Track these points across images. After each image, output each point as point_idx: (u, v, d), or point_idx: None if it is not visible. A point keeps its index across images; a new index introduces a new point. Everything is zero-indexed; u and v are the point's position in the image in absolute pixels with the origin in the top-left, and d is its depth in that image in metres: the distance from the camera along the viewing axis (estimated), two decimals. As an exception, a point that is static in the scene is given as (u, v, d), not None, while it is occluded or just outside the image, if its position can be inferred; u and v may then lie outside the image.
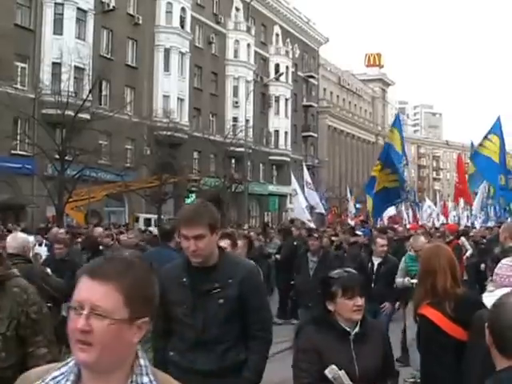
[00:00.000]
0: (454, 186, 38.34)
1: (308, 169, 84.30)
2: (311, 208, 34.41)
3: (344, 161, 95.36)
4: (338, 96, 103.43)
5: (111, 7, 52.94)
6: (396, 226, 28.72)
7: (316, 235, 14.09)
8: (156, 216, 47.63)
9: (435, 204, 55.43)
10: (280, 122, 79.59)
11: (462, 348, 4.98)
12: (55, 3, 47.70)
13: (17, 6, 45.74)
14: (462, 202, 41.84)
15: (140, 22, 56.66)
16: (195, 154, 61.98)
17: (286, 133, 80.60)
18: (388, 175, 19.89)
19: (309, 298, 12.57)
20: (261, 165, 72.96)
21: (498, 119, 23.16)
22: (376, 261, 12.32)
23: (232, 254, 6.14)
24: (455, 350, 5.06)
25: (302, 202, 30.76)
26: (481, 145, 23.77)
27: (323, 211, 38.99)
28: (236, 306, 4.96)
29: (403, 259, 12.37)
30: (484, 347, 4.12)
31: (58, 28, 47.71)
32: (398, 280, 12.02)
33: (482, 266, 17.81)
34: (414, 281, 9.84)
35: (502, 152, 22.44)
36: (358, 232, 20.70)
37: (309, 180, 34.15)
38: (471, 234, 24.41)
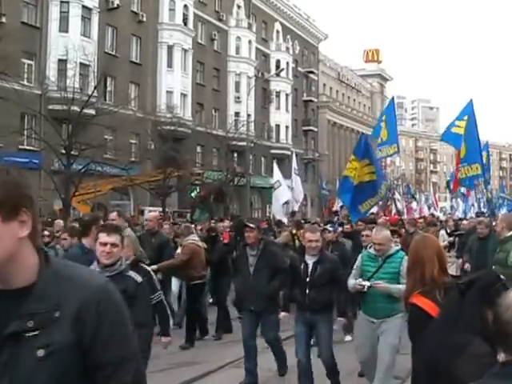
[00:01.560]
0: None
1: (308, 162, 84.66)
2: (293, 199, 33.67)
3: (343, 154, 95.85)
4: (337, 91, 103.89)
5: (115, 5, 53.47)
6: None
7: (252, 225, 11.29)
8: (161, 209, 47.41)
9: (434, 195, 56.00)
10: (281, 117, 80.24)
11: None
12: (61, 1, 48.43)
13: (23, 5, 46.46)
14: (459, 191, 41.80)
15: (144, 19, 57.22)
16: (198, 148, 62.45)
17: (286, 127, 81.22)
18: (364, 167, 18.45)
19: (251, 301, 11.10)
20: (262, 158, 73.40)
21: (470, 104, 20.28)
22: (310, 260, 10.14)
23: (66, 263, 2.86)
24: None
25: (281, 198, 30.70)
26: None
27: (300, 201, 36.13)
28: (72, 362, 2.53)
29: (359, 257, 10.04)
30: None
31: (64, 26, 48.37)
32: (350, 282, 9.76)
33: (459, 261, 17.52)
34: (367, 283, 9.20)
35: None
36: (328, 227, 18.60)
37: (296, 166, 34.11)
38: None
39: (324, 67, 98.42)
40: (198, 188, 54.27)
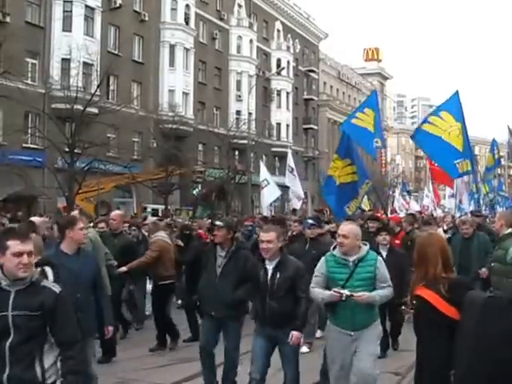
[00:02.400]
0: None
1: (309, 160, 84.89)
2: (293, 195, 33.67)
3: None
4: (337, 89, 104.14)
5: (118, 4, 53.80)
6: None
7: (220, 224, 10.20)
8: (163, 206, 48.34)
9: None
10: (282, 115, 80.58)
11: (454, 328, 5.22)
12: (64, 1, 48.78)
13: (27, 4, 46.81)
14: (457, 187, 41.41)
15: (146, 18, 57.60)
16: (200, 147, 62.81)
17: (287, 125, 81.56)
18: (346, 167, 18.45)
19: (213, 305, 9.85)
20: (263, 156, 73.74)
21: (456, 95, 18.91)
22: (269, 265, 8.71)
23: None
24: (450, 331, 5.24)
25: (270, 196, 30.28)
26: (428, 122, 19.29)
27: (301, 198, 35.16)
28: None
29: (322, 262, 8.36)
30: (472, 328, 4.93)
31: (67, 25, 48.77)
32: (315, 291, 8.25)
33: None
34: (346, 292, 7.77)
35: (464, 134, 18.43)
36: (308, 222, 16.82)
37: (292, 165, 32.78)
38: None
39: (324, 66, 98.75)
40: (199, 186, 54.59)
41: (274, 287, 8.63)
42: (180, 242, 16.02)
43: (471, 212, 22.44)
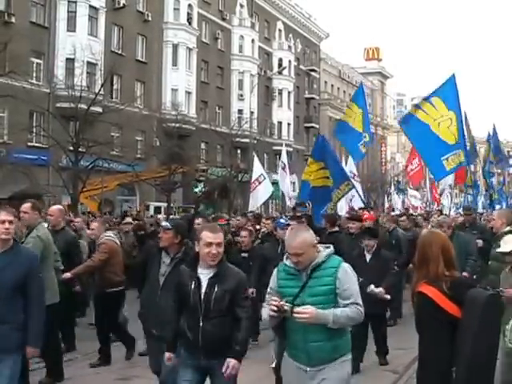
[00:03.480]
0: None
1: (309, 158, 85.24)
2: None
3: (344, 151, 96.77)
4: (338, 88, 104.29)
5: (121, 4, 54.15)
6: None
7: (166, 225, 8.69)
8: (166, 204, 48.81)
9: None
10: (283, 114, 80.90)
11: (456, 326, 5.20)
12: (68, 1, 49.12)
13: (32, 4, 47.13)
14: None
15: (149, 18, 57.90)
16: (202, 145, 63.14)
17: (288, 124, 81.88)
18: (318, 170, 17.76)
19: (155, 322, 8.38)
20: (265, 155, 73.63)
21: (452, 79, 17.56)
22: (204, 274, 6.85)
23: None
24: (451, 328, 5.21)
25: (264, 194, 28.78)
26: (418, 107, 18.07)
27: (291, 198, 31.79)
28: None
29: (274, 273, 6.57)
30: (474, 326, 4.95)
31: (71, 25, 49.11)
32: (263, 312, 6.36)
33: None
34: (287, 305, 5.95)
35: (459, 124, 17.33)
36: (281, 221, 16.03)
37: (285, 161, 31.29)
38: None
39: (325, 65, 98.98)
40: (202, 184, 54.82)
41: (210, 304, 6.72)
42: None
43: (463, 209, 21.56)
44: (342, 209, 28.98)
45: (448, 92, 17.42)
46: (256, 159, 30.17)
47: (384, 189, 73.16)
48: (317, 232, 14.80)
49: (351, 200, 25.81)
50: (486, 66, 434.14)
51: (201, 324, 6.74)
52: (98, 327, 12.34)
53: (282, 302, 6.00)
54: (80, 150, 39.67)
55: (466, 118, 33.54)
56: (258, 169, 29.34)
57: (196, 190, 54.80)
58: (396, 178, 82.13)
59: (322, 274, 6.14)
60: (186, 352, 7.04)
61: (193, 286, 6.83)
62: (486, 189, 35.79)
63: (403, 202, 51.03)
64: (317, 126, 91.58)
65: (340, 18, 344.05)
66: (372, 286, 11.06)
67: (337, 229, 15.77)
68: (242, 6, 73.81)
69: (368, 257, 11.84)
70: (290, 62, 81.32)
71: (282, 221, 15.17)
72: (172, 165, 48.36)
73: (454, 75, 17.41)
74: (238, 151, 62.60)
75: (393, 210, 40.88)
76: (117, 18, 53.94)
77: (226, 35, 70.66)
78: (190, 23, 62.40)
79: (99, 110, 43.29)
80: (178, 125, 53.92)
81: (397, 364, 11.89)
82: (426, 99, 17.81)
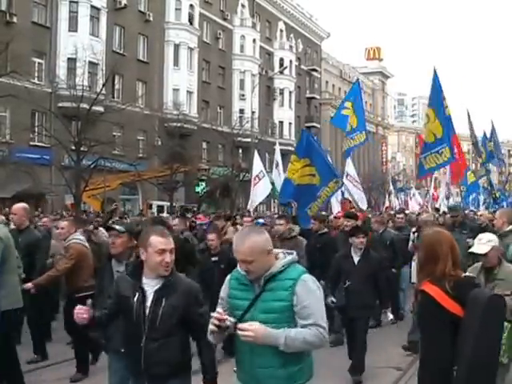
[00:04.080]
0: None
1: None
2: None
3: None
4: (339, 88, 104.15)
5: (123, 5, 54.20)
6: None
7: (119, 229, 7.75)
8: (168, 203, 48.88)
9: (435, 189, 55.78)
10: (284, 114, 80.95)
11: (458, 326, 5.09)
12: (70, 1, 49.16)
13: (34, 5, 47.19)
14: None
15: (151, 18, 57.96)
16: (204, 145, 63.24)
17: (290, 124, 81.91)
18: (304, 167, 16.97)
19: (117, 338, 6.89)
20: (266, 154, 73.77)
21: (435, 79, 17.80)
22: (151, 286, 5.78)
23: None
24: (453, 327, 5.12)
25: (264, 191, 27.50)
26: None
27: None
28: None
29: (226, 280, 5.53)
30: (475, 326, 4.89)
31: (73, 25, 49.17)
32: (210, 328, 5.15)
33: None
34: (230, 320, 5.00)
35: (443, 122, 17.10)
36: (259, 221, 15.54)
37: (279, 160, 29.77)
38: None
39: (326, 65, 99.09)
40: (204, 183, 54.92)
41: (156, 322, 5.68)
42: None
43: (448, 208, 20.85)
44: (334, 208, 28.65)
45: (434, 93, 17.48)
46: (256, 155, 29.40)
47: (384, 188, 73.35)
48: (303, 233, 14.96)
49: (342, 200, 25.57)
50: (486, 64, 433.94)
51: (143, 344, 5.68)
52: (69, 333, 11.74)
53: (224, 315, 5.03)
54: (82, 149, 39.77)
55: (469, 116, 33.70)
56: (258, 165, 28.52)
57: (198, 189, 54.91)
58: (397, 178, 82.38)
59: (278, 287, 5.10)
60: (132, 377, 6.06)
61: (136, 299, 5.73)
62: (487, 187, 35.56)
63: (405, 202, 50.99)
64: (318, 126, 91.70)
65: (341, 17, 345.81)
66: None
67: (326, 230, 15.55)
68: (243, 6, 73.88)
69: (356, 258, 11.07)
70: (291, 61, 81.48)
71: (260, 220, 14.75)
72: (174, 164, 48.46)
73: (434, 70, 17.67)
74: (240, 151, 62.53)
75: (391, 210, 40.51)
76: (118, 18, 53.97)
77: (227, 35, 70.74)
78: (191, 23, 62.46)
79: (101, 109, 43.43)
80: (179, 124, 54.04)
81: (400, 361, 11.92)
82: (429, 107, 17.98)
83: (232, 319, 5.01)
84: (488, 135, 33.63)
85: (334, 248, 13.67)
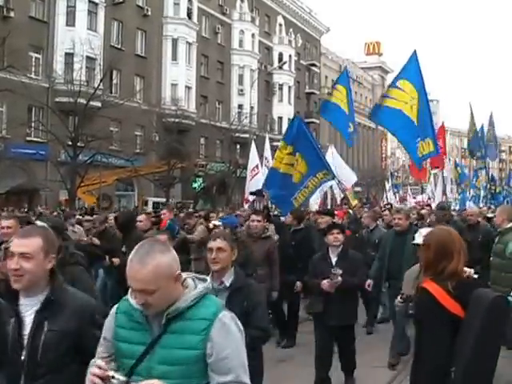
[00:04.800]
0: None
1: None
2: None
3: (344, 146, 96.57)
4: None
5: (121, -1, 53.98)
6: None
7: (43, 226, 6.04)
8: (164, 199, 48.65)
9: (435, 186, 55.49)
10: (283, 109, 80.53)
11: (458, 326, 5.00)
12: (67, -5, 48.71)
13: (31, -1, 46.88)
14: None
15: (149, 13, 57.74)
16: (202, 140, 62.78)
17: (289, 119, 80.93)
18: (288, 156, 15.93)
19: None
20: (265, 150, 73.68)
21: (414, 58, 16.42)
22: (27, 308, 4.40)
23: None
24: (452, 327, 5.03)
25: (257, 185, 24.36)
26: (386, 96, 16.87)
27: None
28: None
29: (112, 313, 4.04)
30: (476, 327, 4.80)
31: (71, 20, 48.95)
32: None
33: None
34: (117, 378, 3.53)
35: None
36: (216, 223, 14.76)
37: (268, 156, 28.04)
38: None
39: (326, 60, 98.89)
40: (201, 179, 54.88)
41: (37, 355, 4.29)
42: (97, 241, 13.61)
43: (437, 208, 19.02)
44: (313, 205, 27.85)
45: (412, 71, 16.28)
46: (253, 145, 29.16)
47: (383, 184, 73.32)
48: (277, 228, 14.71)
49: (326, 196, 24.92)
50: (487, 59, 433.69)
51: (21, 382, 4.27)
52: None
53: (107, 369, 3.59)
54: (79, 144, 39.94)
55: (471, 110, 33.45)
56: (253, 157, 27.86)
57: (195, 185, 54.82)
58: (396, 174, 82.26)
59: (186, 329, 3.73)
60: None
61: (11, 327, 4.34)
62: (487, 183, 35.19)
63: (403, 198, 50.85)
64: (317, 121, 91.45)
65: (341, 12, 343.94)
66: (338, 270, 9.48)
67: (302, 226, 14.72)
68: (242, 0, 73.60)
69: (333, 259, 9.83)
70: (290, 56, 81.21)
71: (227, 218, 14.23)
72: (171, 160, 48.58)
73: (415, 52, 16.35)
74: (238, 147, 62.45)
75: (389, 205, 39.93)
76: (116, 12, 53.79)
77: (226, 30, 70.55)
78: (189, 18, 62.23)
79: (98, 104, 43.47)
80: (177, 120, 54.18)
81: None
82: (392, 85, 16.73)
83: (120, 376, 3.57)
84: (486, 128, 33.28)
85: (309, 246, 13.29)
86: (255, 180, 25.90)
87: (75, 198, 39.87)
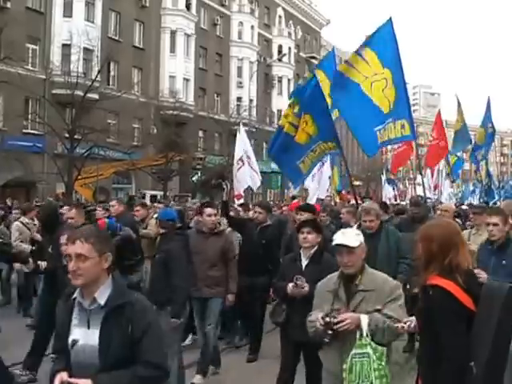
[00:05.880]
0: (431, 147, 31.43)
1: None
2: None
3: (345, 138, 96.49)
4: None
5: (119, -10, 53.44)
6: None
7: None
8: (162, 193, 48.52)
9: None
10: (283, 102, 79.79)
11: (471, 320, 4.86)
12: (65, -14, 48.31)
13: (28, -10, 46.45)
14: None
15: (147, 4, 57.52)
16: (200, 133, 62.58)
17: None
18: (294, 115, 13.88)
19: None
20: (264, 143, 73.64)
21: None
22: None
23: None
24: (467, 322, 4.86)
25: (246, 179, 23.24)
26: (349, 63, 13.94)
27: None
28: None
29: None
30: (493, 321, 4.68)
31: (68, 11, 48.61)
32: None
33: None
34: None
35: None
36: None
37: (248, 149, 24.42)
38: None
39: (326, 52, 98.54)
40: (199, 172, 54.73)
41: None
42: (38, 237, 12.91)
43: (409, 203, 16.59)
44: (314, 195, 26.71)
45: (384, 43, 13.44)
46: (240, 135, 24.89)
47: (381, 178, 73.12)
48: (241, 225, 12.92)
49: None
50: (489, 52, 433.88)
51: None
52: None
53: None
54: (76, 137, 39.84)
55: (458, 102, 32.59)
56: (241, 147, 24.09)
57: (194, 179, 54.62)
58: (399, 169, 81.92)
59: None
60: None
61: None
62: (479, 179, 34.46)
63: (401, 192, 50.72)
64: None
65: (341, 4, 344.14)
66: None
67: (269, 222, 12.90)
68: (241, -9, 73.02)
69: (304, 262, 8.09)
70: (289, 48, 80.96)
71: (168, 210, 11.66)
72: (169, 153, 48.31)
73: (390, 19, 13.48)
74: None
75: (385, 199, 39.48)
76: (114, 3, 53.38)
77: (225, 21, 70.26)
78: (188, 9, 61.98)
79: (96, 96, 43.41)
80: (175, 112, 54.01)
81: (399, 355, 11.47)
82: (356, 52, 13.78)
83: None
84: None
85: (279, 245, 12.40)
86: (240, 174, 23.39)
87: (72, 191, 39.68)
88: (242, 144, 24.13)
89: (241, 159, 23.37)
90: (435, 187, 43.30)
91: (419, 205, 13.98)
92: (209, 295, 10.37)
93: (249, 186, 24.45)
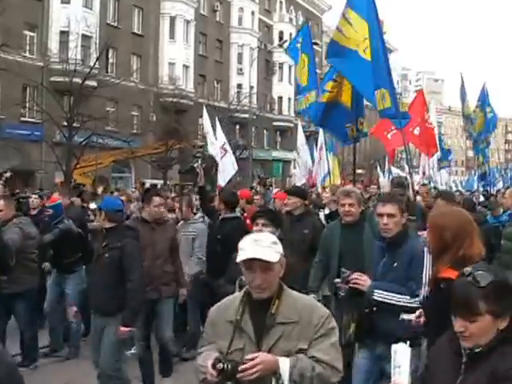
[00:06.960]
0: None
1: (310, 134, 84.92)
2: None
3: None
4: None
5: (117, -24, 52.99)
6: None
7: None
8: (162, 181, 48.15)
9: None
10: (284, 89, 79.77)
11: None
12: (63, -27, 47.90)
13: (25, -24, 46.15)
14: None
15: (146, -10, 56.88)
16: (200, 120, 62.20)
17: (289, 99, 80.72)
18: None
19: None
20: (265, 131, 73.46)
21: None
22: None
23: None
24: None
25: (230, 170, 21.96)
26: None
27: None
28: None
29: None
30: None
31: (66, -3, 48.01)
32: None
33: None
34: None
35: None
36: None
37: (221, 136, 22.96)
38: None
39: (328, 38, 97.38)
40: (199, 161, 54.38)
41: None
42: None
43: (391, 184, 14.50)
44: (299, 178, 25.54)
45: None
46: (218, 124, 23.72)
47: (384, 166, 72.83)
48: (209, 213, 11.77)
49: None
50: (492, 38, 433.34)
51: None
52: None
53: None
54: (74, 125, 39.58)
55: (462, 82, 31.88)
56: (220, 137, 22.66)
57: (195, 165, 54.24)
58: (400, 155, 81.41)
59: None
60: None
61: None
62: (478, 164, 33.89)
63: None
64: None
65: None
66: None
67: (237, 214, 11.37)
68: (241, -23, 72.38)
69: None
70: (291, 34, 79.91)
71: (113, 199, 10.60)
72: (169, 141, 47.95)
73: None
74: (237, 127, 62.01)
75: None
76: (112, -11, 53.01)
77: (225, 7, 69.74)
78: (188, -5, 61.17)
79: (94, 84, 42.97)
80: (175, 99, 53.84)
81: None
82: (342, 15, 12.64)
83: None
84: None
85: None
86: (223, 163, 22.00)
87: (71, 180, 39.34)
88: (220, 131, 22.99)
89: (223, 147, 22.03)
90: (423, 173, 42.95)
91: (402, 185, 12.90)
92: (168, 294, 9.40)
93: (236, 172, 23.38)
